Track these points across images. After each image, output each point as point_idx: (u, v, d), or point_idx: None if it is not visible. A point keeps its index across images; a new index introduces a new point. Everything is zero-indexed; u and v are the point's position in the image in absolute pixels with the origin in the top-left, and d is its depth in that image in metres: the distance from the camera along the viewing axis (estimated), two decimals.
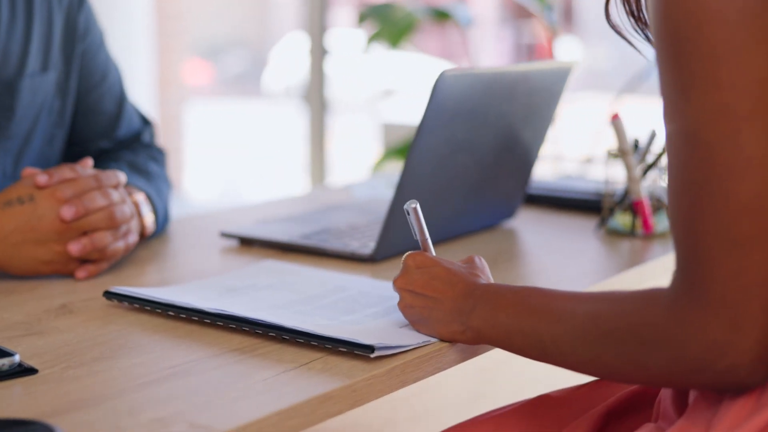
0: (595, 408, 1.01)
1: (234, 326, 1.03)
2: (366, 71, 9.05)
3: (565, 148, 3.34)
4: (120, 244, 1.26)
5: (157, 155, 1.55)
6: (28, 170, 1.25)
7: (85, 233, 1.22)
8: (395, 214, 1.31)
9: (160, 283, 1.23)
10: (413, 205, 1.04)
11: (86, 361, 0.95)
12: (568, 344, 0.88)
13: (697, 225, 0.79)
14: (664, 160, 1.51)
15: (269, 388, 0.89)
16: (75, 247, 1.21)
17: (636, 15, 0.94)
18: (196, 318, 1.05)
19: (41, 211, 1.21)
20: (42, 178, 1.21)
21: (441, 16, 3.64)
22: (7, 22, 1.37)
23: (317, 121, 4.23)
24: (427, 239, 1.05)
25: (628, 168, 1.49)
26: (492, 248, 1.45)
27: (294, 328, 0.98)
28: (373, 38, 3.67)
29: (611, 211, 1.52)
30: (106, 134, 1.53)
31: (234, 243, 1.45)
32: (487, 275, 1.03)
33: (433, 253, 1.04)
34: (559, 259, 1.43)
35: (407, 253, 1.04)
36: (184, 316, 1.06)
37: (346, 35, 7.61)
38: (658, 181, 1.53)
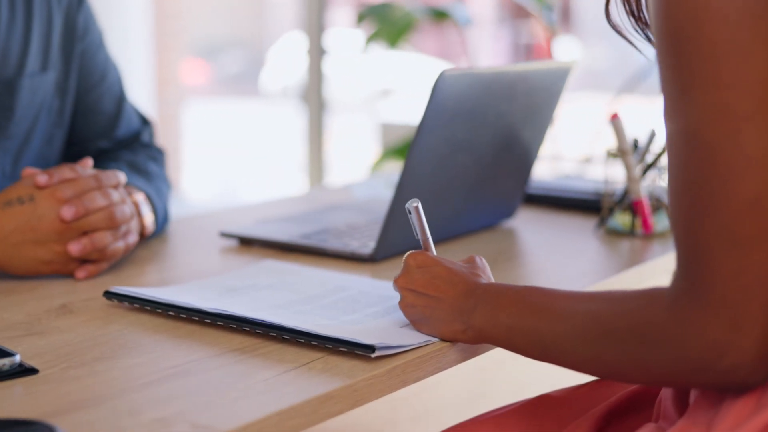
0: (595, 408, 1.01)
1: (234, 326, 1.03)
2: (364, 71, 9.05)
3: (564, 147, 3.34)
4: (120, 244, 1.26)
5: (157, 155, 1.55)
6: (28, 170, 1.25)
7: (85, 233, 1.22)
8: (395, 213, 1.31)
9: (160, 283, 1.23)
10: (415, 204, 1.04)
11: (87, 361, 0.95)
12: (568, 343, 0.88)
13: (698, 224, 0.79)
14: (663, 160, 1.51)
15: (270, 388, 0.89)
16: (75, 248, 1.21)
17: (636, 15, 0.94)
18: (196, 318, 1.05)
19: (41, 211, 1.21)
20: (42, 178, 1.21)
21: (439, 15, 3.64)
22: (6, 22, 1.37)
23: (315, 120, 4.23)
24: (428, 238, 1.05)
25: (628, 168, 1.50)
26: (491, 248, 1.45)
27: (295, 328, 0.98)
28: (371, 38, 3.67)
29: (611, 211, 1.52)
30: (106, 134, 1.53)
31: (234, 243, 1.45)
32: (488, 275, 1.03)
33: (434, 253, 1.05)
34: (558, 259, 1.43)
35: (408, 253, 1.04)
36: (184, 316, 1.06)
37: (345, 35, 7.61)
38: (657, 181, 1.53)
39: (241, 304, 1.08)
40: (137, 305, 1.10)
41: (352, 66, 8.35)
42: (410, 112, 5.79)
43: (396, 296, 1.09)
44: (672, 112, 0.81)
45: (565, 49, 5.11)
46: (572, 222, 1.62)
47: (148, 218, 1.36)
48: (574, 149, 3.54)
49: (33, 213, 1.20)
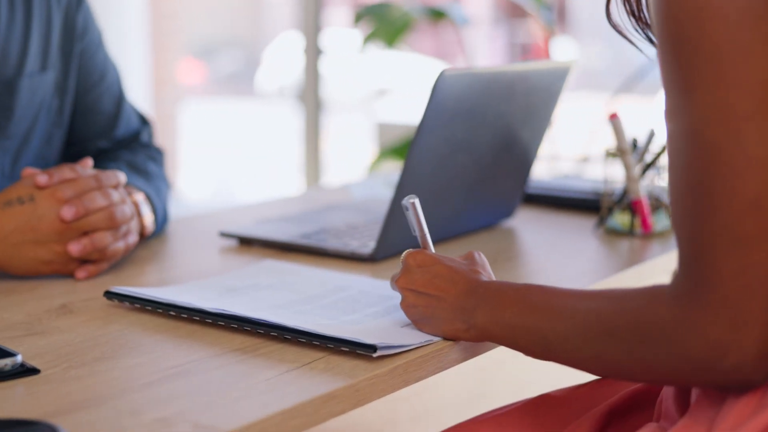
0: (596, 407, 1.01)
1: (235, 326, 1.03)
2: (361, 71, 9.05)
3: (561, 147, 3.34)
4: (120, 245, 1.26)
5: (156, 155, 1.54)
6: (28, 170, 1.24)
7: (85, 233, 1.22)
8: (395, 213, 1.31)
9: (160, 283, 1.23)
10: (412, 201, 1.03)
11: (88, 361, 0.95)
12: (570, 342, 0.88)
13: (700, 224, 0.79)
14: (662, 160, 1.51)
15: (272, 387, 0.89)
16: (75, 248, 1.21)
17: (637, 15, 0.94)
18: (197, 318, 1.05)
19: (41, 211, 1.20)
20: (42, 178, 1.21)
21: (436, 15, 3.64)
22: (6, 22, 1.37)
23: (312, 120, 4.23)
24: (426, 235, 1.04)
25: (627, 167, 1.50)
26: (491, 248, 1.45)
27: (296, 327, 0.98)
28: (368, 38, 3.67)
29: (610, 211, 1.52)
30: (105, 134, 1.53)
31: (233, 243, 1.45)
32: (488, 271, 1.03)
33: (432, 250, 1.04)
34: (557, 259, 1.43)
35: (406, 252, 1.03)
36: (185, 316, 1.06)
37: (342, 35, 7.61)
38: (656, 181, 1.53)
39: (242, 304, 1.08)
40: (137, 305, 1.10)
41: (348, 66, 8.36)
42: (407, 111, 5.79)
43: (396, 296, 1.09)
44: (673, 112, 0.81)
45: (561, 49, 5.11)
46: (571, 222, 1.62)
47: (148, 218, 1.36)
48: (570, 149, 3.54)
49: (33, 213, 1.20)
